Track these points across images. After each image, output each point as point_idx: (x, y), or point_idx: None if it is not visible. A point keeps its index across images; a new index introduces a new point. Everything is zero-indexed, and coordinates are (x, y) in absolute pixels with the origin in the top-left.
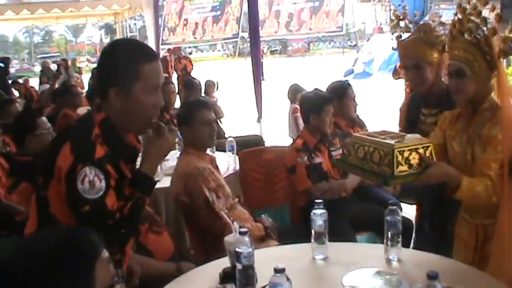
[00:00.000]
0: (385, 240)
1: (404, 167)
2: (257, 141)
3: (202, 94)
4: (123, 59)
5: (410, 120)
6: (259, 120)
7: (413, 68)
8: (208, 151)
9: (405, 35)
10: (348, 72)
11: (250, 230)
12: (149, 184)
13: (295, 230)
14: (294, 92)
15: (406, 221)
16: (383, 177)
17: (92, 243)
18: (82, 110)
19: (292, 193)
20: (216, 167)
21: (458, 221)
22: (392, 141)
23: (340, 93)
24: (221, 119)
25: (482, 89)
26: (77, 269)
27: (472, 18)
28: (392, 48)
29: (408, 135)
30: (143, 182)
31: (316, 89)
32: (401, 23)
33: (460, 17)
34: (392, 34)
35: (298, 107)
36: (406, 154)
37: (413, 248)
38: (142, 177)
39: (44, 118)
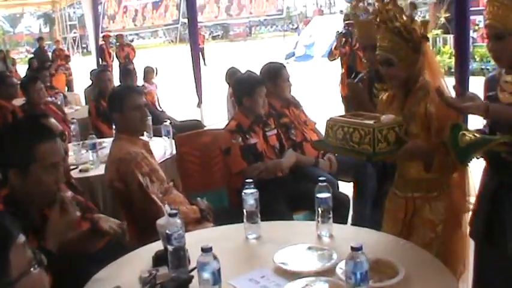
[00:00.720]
0: (316, 217)
1: (384, 145)
2: (197, 125)
3: (141, 80)
4: (19, 140)
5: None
6: (199, 105)
7: (371, 48)
8: (145, 136)
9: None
10: (289, 55)
11: (185, 213)
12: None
13: (232, 212)
14: (232, 75)
15: (342, 197)
16: (365, 154)
17: (4, 229)
18: (18, 101)
19: (229, 175)
20: (150, 152)
21: (389, 196)
22: (371, 122)
23: (274, 74)
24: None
25: (412, 72)
26: None
27: (389, 7)
28: (337, 32)
29: (383, 116)
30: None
31: (248, 71)
32: (361, 4)
33: (378, 7)
34: (352, 15)
35: None
36: (384, 132)
37: (352, 224)
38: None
39: None
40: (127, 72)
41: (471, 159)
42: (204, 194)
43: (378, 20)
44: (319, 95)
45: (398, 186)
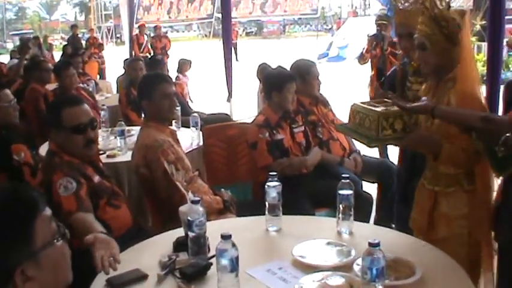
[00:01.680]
0: (337, 213)
1: (389, 131)
2: (225, 119)
3: (175, 72)
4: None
5: (398, 86)
6: (229, 99)
7: (408, 37)
8: (173, 126)
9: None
10: (322, 55)
11: (209, 203)
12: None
13: (256, 205)
14: (263, 71)
15: (365, 196)
16: (367, 138)
17: (31, 200)
18: (51, 86)
19: (255, 169)
20: (177, 140)
21: (418, 188)
22: (379, 109)
23: (304, 71)
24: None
25: (443, 60)
26: (16, 223)
27: None
28: (368, 35)
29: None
30: None
31: (279, 66)
32: None
33: None
34: (392, 3)
35: None
36: (390, 120)
37: (374, 224)
38: None
39: (6, 91)
40: (155, 62)
41: (510, 169)
42: (229, 186)
43: (421, 6)
44: (349, 96)
45: (426, 178)
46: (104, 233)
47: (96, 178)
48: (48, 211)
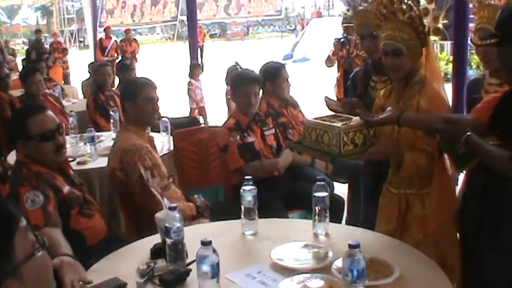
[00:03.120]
0: (313, 215)
1: (350, 146)
2: (193, 123)
3: (187, 76)
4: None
5: (360, 86)
6: None
7: (370, 37)
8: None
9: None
10: (286, 56)
11: (182, 210)
12: None
13: (228, 207)
14: (231, 73)
15: (337, 198)
16: (331, 156)
17: (9, 213)
18: (15, 93)
19: (226, 172)
20: (154, 147)
21: (383, 193)
22: (339, 124)
23: (274, 73)
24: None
25: (415, 64)
26: None
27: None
28: (335, 39)
29: (354, 118)
30: None
31: (242, 69)
32: None
33: None
34: (351, 3)
35: None
36: (351, 135)
37: (346, 225)
38: None
39: None
40: (124, 67)
41: (468, 165)
42: (201, 190)
43: (384, 11)
44: (316, 97)
45: (392, 183)
46: (69, 255)
47: (66, 188)
48: (23, 221)
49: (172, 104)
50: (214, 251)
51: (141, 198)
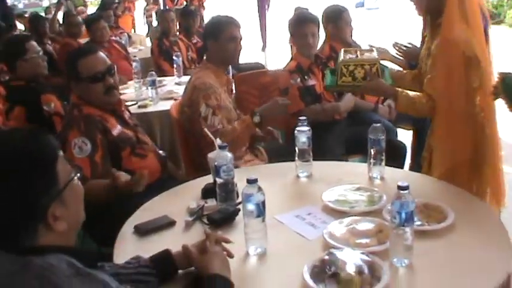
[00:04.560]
0: (368, 158)
1: (348, 79)
2: (257, 67)
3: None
4: None
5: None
6: (263, 49)
7: None
8: None
9: None
10: (358, 4)
11: (238, 131)
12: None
13: (288, 151)
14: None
15: (399, 144)
16: (328, 84)
17: (51, 143)
18: (84, 41)
19: (287, 115)
20: (229, 90)
21: None
22: (343, 57)
23: (336, 16)
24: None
25: (433, 2)
26: (42, 167)
27: None
28: None
29: (368, 54)
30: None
31: (298, 8)
32: None
33: None
34: None
35: None
36: (351, 68)
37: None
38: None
39: (33, 42)
40: (187, 12)
41: None
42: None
43: None
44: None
45: None
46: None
47: (117, 129)
48: (61, 151)
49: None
50: (260, 189)
51: (197, 138)
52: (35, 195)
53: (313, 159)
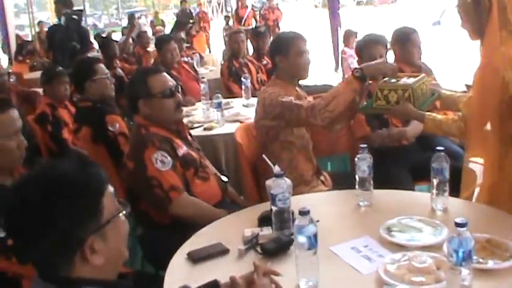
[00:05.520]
0: (431, 188)
1: (383, 102)
2: (326, 90)
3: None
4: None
5: None
6: (336, 69)
7: None
8: None
9: None
10: (435, 23)
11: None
12: None
13: (353, 177)
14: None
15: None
16: (363, 106)
17: (100, 177)
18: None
19: (353, 140)
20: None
21: None
22: (382, 81)
23: (404, 38)
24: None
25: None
26: (88, 198)
27: None
28: None
29: (404, 79)
30: None
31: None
32: None
33: None
34: None
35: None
36: (385, 92)
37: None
38: None
39: (101, 64)
40: (257, 34)
41: None
42: (329, 158)
43: None
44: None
45: None
46: None
47: (183, 150)
48: (111, 188)
49: (312, 71)
50: (311, 221)
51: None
52: (73, 225)
53: (379, 187)
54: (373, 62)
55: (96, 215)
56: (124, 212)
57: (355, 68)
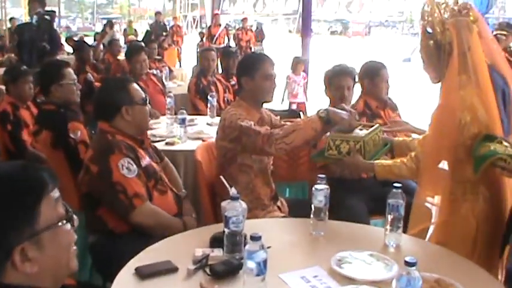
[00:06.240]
0: (385, 224)
1: (334, 152)
2: (293, 115)
3: (290, 69)
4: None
5: None
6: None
7: None
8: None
9: None
10: (406, 59)
11: (301, 123)
12: None
13: (309, 204)
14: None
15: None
16: (315, 155)
17: (39, 180)
18: None
19: (314, 168)
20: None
21: None
22: (333, 132)
23: (373, 72)
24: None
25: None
26: (20, 202)
27: None
28: None
29: (357, 130)
30: None
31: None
32: None
33: None
34: None
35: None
36: (337, 142)
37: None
38: None
39: (69, 69)
40: (227, 53)
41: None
42: (288, 184)
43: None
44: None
45: None
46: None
47: (146, 161)
48: (56, 193)
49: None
50: (263, 247)
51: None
52: (3, 228)
53: (334, 217)
54: (342, 112)
55: (30, 221)
56: (65, 221)
57: (322, 109)
